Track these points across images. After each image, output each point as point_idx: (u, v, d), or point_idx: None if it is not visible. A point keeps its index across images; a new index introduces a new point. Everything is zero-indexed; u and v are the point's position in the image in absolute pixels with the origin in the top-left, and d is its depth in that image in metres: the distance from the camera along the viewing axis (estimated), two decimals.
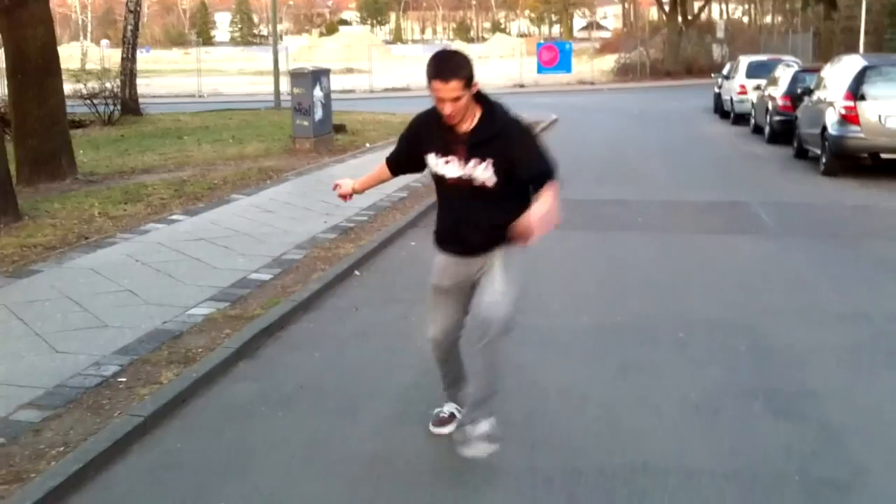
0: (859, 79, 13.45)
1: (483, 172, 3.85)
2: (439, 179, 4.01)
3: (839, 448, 4.33)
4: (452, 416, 4.43)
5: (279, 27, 44.62)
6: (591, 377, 5.29)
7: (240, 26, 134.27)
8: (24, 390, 4.77)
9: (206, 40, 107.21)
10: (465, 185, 3.90)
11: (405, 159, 4.21)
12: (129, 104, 23.13)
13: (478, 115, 3.85)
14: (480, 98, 3.87)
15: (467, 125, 3.85)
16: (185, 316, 6.12)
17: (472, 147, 3.85)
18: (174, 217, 9.52)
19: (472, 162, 3.85)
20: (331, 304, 6.83)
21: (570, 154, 15.76)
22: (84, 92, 20.25)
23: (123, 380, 4.99)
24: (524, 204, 3.81)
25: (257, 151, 15.50)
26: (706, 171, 14.74)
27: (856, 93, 13.28)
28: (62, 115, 12.72)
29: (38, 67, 12.03)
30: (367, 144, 17.01)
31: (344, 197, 4.37)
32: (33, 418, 4.46)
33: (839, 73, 14.38)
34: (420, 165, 4.11)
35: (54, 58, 12.59)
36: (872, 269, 7.92)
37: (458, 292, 4.15)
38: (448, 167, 3.92)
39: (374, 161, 13.81)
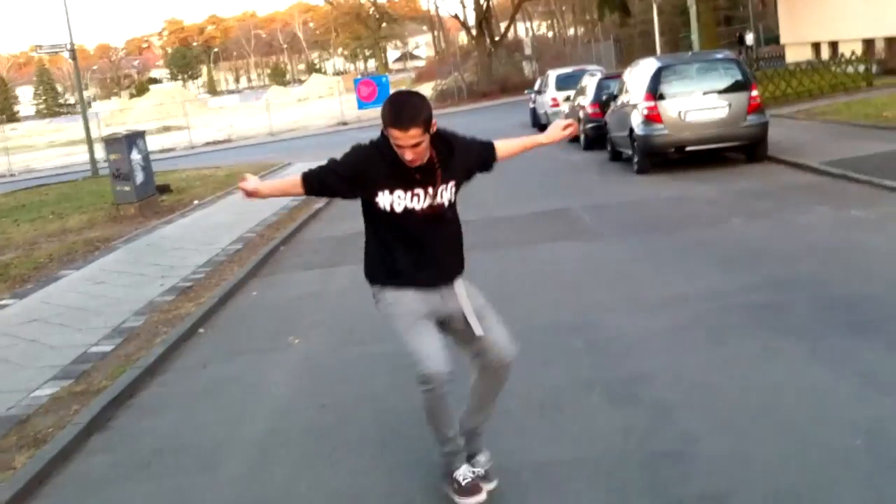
0: (656, 79, 14.34)
1: (448, 195, 3.85)
2: (399, 215, 3.80)
3: (671, 422, 4.70)
4: (477, 480, 4.03)
5: (86, 93, 43.38)
6: None
7: (44, 97, 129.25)
8: None
9: (10, 117, 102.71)
10: (434, 213, 3.82)
11: (333, 188, 3.90)
12: None
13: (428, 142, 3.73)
14: (435, 133, 3.77)
15: (426, 155, 3.75)
16: (30, 399, 5.99)
17: (440, 172, 3.78)
18: (2, 302, 9.21)
19: (442, 187, 3.81)
20: (178, 366, 6.80)
21: None
22: None
23: None
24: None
25: (80, 223, 15.09)
26: (529, 183, 15.33)
27: (655, 93, 14.16)
28: None
29: None
30: (196, 201, 16.81)
31: (246, 193, 3.89)
32: None
33: (638, 76, 15.29)
34: (344, 196, 3.93)
35: None
36: (686, 254, 8.52)
37: (433, 321, 3.92)
38: (415, 200, 3.78)
39: (207, 217, 13.84)
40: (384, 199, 3.77)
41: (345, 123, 41.30)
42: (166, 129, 49.58)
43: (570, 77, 24.50)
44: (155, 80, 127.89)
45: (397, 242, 3.87)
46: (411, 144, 3.60)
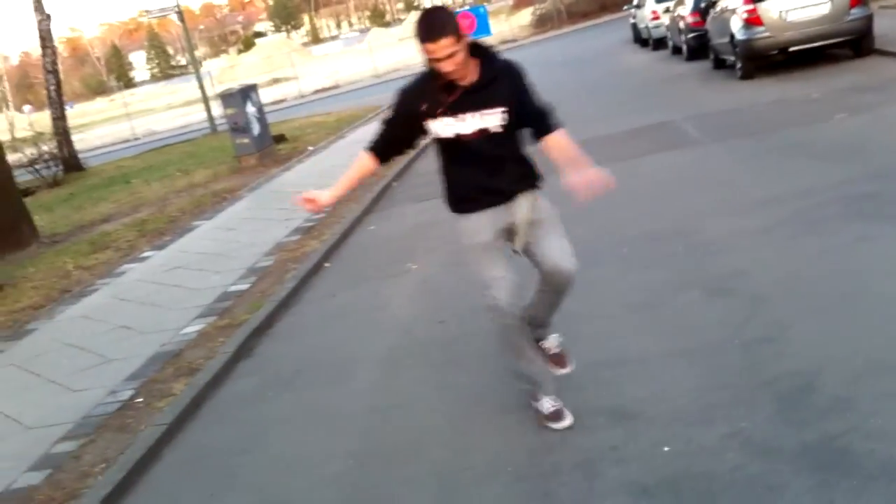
0: None
1: (496, 118, 3.85)
2: (451, 141, 3.91)
3: (768, 311, 4.98)
4: (559, 407, 4.21)
5: (196, 53, 44.67)
6: None
7: (157, 61, 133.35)
8: (55, 428, 5.32)
9: (128, 83, 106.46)
10: (483, 136, 3.87)
11: (398, 138, 4.06)
12: (69, 162, 23.41)
13: (475, 65, 3.82)
14: (473, 47, 3.84)
15: (470, 77, 3.82)
16: (180, 336, 6.68)
17: (482, 95, 3.83)
18: (144, 255, 10.03)
19: (486, 110, 3.84)
20: (309, 297, 7.41)
21: None
22: (24, 159, 20.56)
23: (140, 400, 5.55)
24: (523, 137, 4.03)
25: (206, 178, 15.95)
26: (632, 99, 15.40)
27: None
28: (11, 185, 13.14)
29: None
30: (310, 147, 17.51)
31: (314, 208, 4.11)
32: (70, 448, 5.02)
33: None
34: (412, 141, 4.06)
35: None
36: (786, 154, 8.60)
37: (500, 243, 4.08)
38: (463, 125, 3.86)
39: (322, 162, 14.48)
40: (436, 127, 3.89)
41: None
42: (276, 80, 50.76)
43: None
44: (260, 34, 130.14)
45: (459, 168, 4.01)
46: (447, 55, 3.65)
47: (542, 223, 4.06)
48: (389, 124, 4.05)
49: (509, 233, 4.07)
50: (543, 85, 16.39)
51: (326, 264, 8.31)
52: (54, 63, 25.15)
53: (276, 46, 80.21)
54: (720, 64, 16.29)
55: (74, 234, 12.77)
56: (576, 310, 5.60)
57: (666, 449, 3.74)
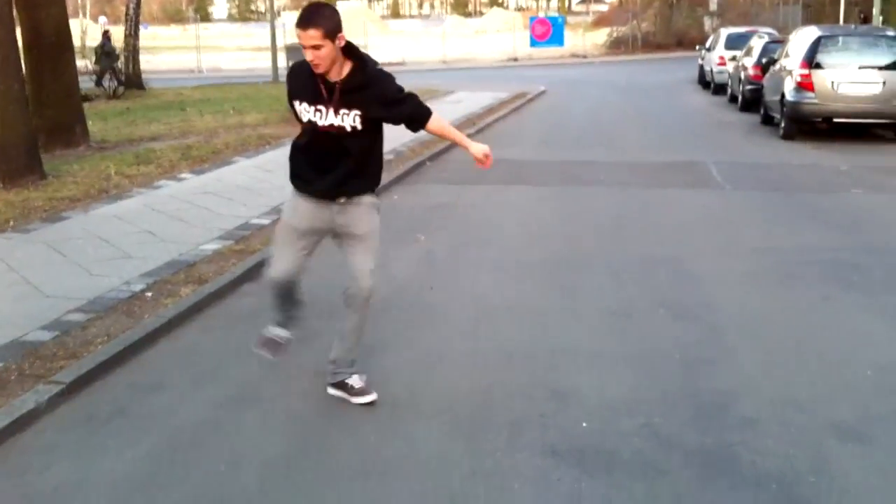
0: (814, 48, 14.54)
1: (350, 121, 4.15)
2: (306, 125, 4.24)
3: (718, 338, 5.50)
4: (274, 341, 4.68)
5: (277, 3, 45.43)
6: (532, 295, 6.45)
7: (237, 2, 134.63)
8: (70, 301, 5.92)
9: (204, 17, 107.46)
10: (333, 132, 4.18)
11: (291, 108, 4.37)
12: (132, 79, 24.22)
13: (348, 67, 4.13)
14: (352, 52, 4.14)
15: (336, 76, 4.12)
16: (198, 250, 7.27)
17: (342, 96, 4.12)
18: (182, 176, 10.66)
19: (343, 111, 4.14)
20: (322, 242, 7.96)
21: (551, 122, 16.92)
22: (90, 67, 21.36)
23: (150, 294, 6.14)
24: (379, 150, 4.39)
25: (256, 121, 16.58)
26: (675, 135, 15.84)
27: (811, 61, 14.38)
28: (76, 88, 13.83)
29: (52, 44, 13.10)
30: None
31: None
32: (80, 319, 5.61)
33: (798, 42, 15.46)
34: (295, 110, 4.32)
35: (67, 36, 13.74)
36: (793, 214, 9.07)
37: (312, 234, 4.42)
38: (317, 115, 4.17)
39: None
40: (298, 108, 4.25)
41: (515, 59, 42.01)
42: None
43: (741, 37, 24.34)
44: None
45: (304, 150, 4.35)
46: (310, 45, 3.97)
47: (358, 237, 4.38)
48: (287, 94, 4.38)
49: (332, 233, 4.43)
50: (595, 105, 17.21)
51: None
52: None
53: (356, 13, 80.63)
54: (768, 120, 16.68)
55: (122, 146, 13.43)
56: (556, 303, 6.18)
57: (584, 425, 4.27)
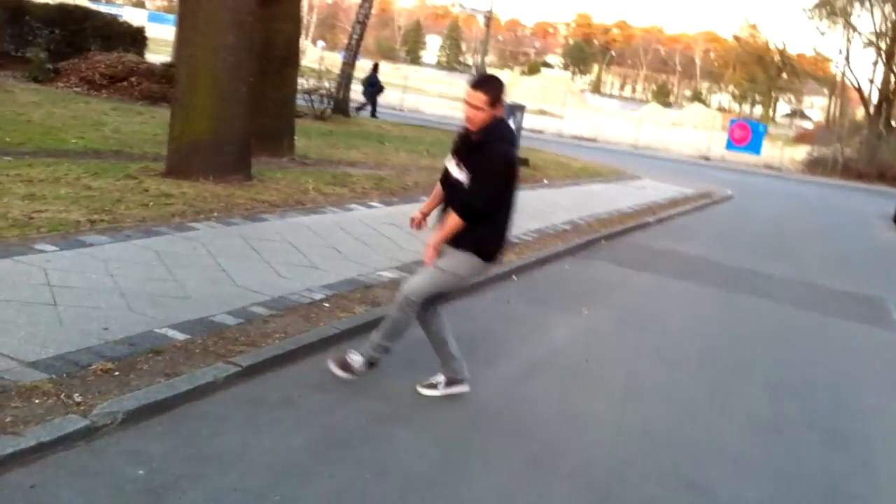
0: None
1: (463, 176, 4.91)
2: (446, 174, 5.15)
3: (869, 474, 5.42)
4: (349, 365, 5.33)
5: (486, 59, 46.77)
6: (685, 385, 6.52)
7: (448, 51, 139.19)
8: (257, 294, 6.44)
9: (415, 59, 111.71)
10: (454, 184, 4.98)
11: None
12: (339, 104, 25.50)
13: (486, 132, 4.86)
14: (497, 121, 4.86)
15: (475, 136, 4.89)
16: (376, 274, 7.72)
17: (470, 154, 4.90)
18: (373, 203, 11.25)
19: (464, 166, 4.90)
20: (488, 297, 8.26)
21: (732, 226, 16.80)
22: (304, 85, 22.63)
23: (327, 305, 6.60)
24: (493, 219, 5.01)
25: None
26: (858, 266, 15.38)
27: None
28: (292, 102, 14.83)
29: (280, 57, 14.11)
30: (545, 180, 18.45)
31: (415, 224, 5.51)
32: (263, 313, 6.10)
33: None
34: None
35: (295, 52, 14.78)
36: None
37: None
38: (452, 167, 5.01)
39: (551, 195, 15.48)
40: (448, 161, 5.08)
41: (707, 158, 41.59)
42: (542, 111, 52.25)
43: None
44: (548, 65, 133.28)
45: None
46: (471, 104, 4.75)
47: (436, 266, 5.10)
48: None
49: None
50: (785, 217, 16.89)
51: (514, 277, 9.16)
52: (366, 16, 27.39)
53: (558, 82, 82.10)
54: None
55: (321, 164, 14.25)
56: (708, 399, 6.24)
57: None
